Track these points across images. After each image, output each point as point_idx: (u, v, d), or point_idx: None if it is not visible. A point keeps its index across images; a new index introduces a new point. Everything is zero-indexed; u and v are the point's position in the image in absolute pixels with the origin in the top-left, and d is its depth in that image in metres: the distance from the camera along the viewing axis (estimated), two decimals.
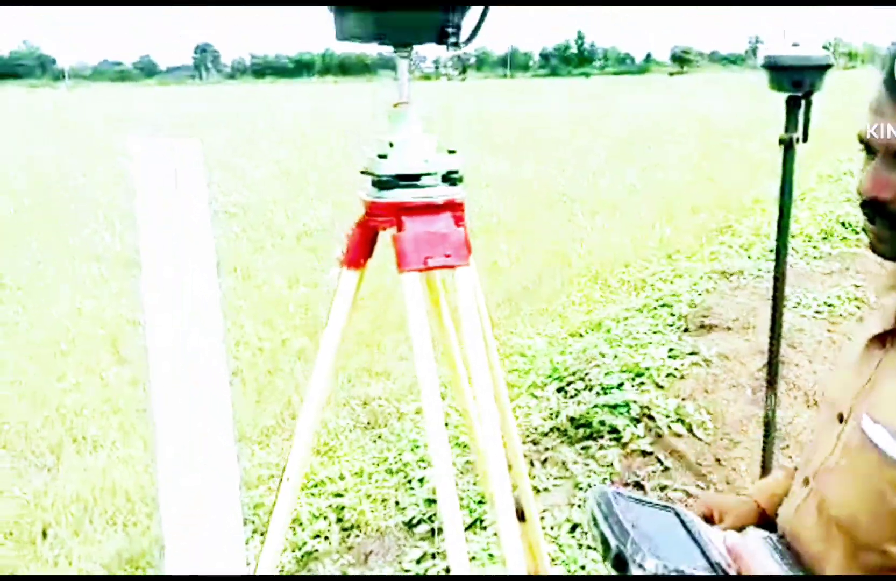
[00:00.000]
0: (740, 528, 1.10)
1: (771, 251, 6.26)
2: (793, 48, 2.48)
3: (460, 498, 3.17)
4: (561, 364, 4.27)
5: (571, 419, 3.50)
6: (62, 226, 9.39)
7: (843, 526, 0.97)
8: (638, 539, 0.91)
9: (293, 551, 2.95)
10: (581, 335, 5.05)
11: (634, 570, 0.88)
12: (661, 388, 3.59)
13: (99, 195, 11.23)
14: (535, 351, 4.78)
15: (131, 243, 8.05)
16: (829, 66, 2.47)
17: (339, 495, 3.35)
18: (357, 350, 5.13)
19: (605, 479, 3.12)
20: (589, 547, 2.77)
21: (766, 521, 1.18)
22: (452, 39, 1.43)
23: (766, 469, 2.82)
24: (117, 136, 17.75)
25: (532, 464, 3.26)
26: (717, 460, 3.15)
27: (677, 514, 1.02)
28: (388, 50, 1.49)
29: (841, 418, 1.02)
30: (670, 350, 4.04)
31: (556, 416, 3.60)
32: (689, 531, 0.98)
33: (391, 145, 1.48)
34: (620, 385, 3.67)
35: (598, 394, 3.66)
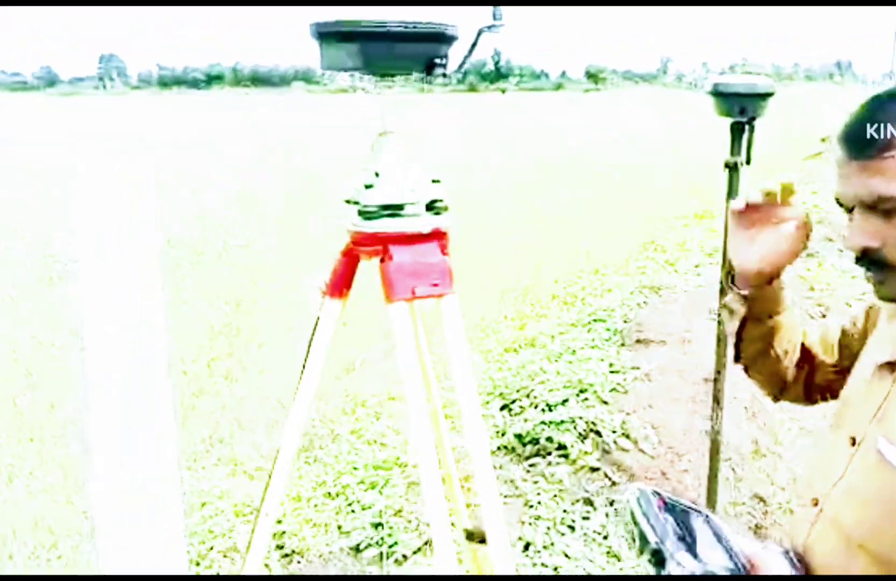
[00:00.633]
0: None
1: (696, 266, 6.49)
2: (738, 76, 2.58)
3: (407, 520, 3.17)
4: (502, 381, 4.30)
5: (518, 436, 3.53)
6: None
7: (863, 544, 1.02)
8: (676, 538, 0.97)
9: None
10: (517, 351, 5.10)
11: (672, 567, 0.95)
12: (606, 403, 3.66)
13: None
14: (472, 367, 4.79)
15: (43, 261, 7.76)
16: (771, 94, 2.57)
17: (278, 521, 3.30)
18: (287, 369, 5.06)
19: (554, 495, 3.16)
20: (543, 564, 2.80)
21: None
22: (440, 71, 1.44)
23: (712, 482, 2.90)
24: (15, 150, 17.08)
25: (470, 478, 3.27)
26: (664, 474, 3.23)
27: (707, 518, 1.07)
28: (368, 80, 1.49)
29: (853, 441, 1.08)
30: (611, 365, 4.12)
31: (503, 435, 3.62)
32: (716, 534, 1.04)
33: (377, 175, 1.48)
34: (565, 401, 3.72)
35: (543, 410, 3.70)
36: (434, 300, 1.52)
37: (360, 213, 1.48)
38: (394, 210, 1.48)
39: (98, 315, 1.12)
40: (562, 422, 3.52)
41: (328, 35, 1.44)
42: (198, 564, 3.06)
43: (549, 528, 2.97)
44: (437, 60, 1.43)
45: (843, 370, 1.26)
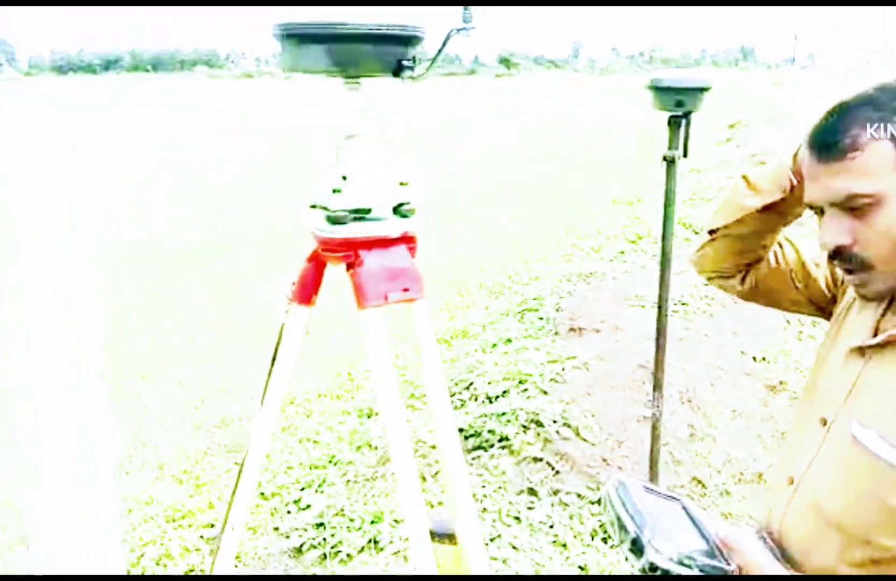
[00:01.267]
0: None
1: (621, 253, 6.62)
2: (676, 71, 2.63)
3: (350, 519, 3.13)
4: None
5: (461, 430, 3.52)
6: None
7: (837, 521, 1.07)
8: (652, 525, 0.99)
9: None
10: (449, 343, 5.10)
11: (651, 554, 0.97)
12: (546, 393, 3.69)
13: None
14: (405, 360, 4.78)
15: None
16: (707, 89, 2.63)
17: (211, 525, 3.23)
18: (209, 366, 4.95)
19: (499, 487, 3.17)
20: (492, 557, 2.81)
21: None
22: (408, 72, 1.42)
23: (653, 467, 2.97)
24: None
25: (424, 479, 3.27)
26: (605, 460, 3.28)
27: (683, 506, 1.11)
28: (338, 81, 1.46)
29: (824, 422, 1.13)
30: (548, 354, 4.15)
31: None
32: (692, 520, 1.07)
33: (344, 178, 1.45)
34: (506, 392, 3.74)
35: (483, 403, 3.71)
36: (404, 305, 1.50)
37: (329, 218, 1.45)
38: (362, 214, 1.45)
39: (35, 320, 1.07)
40: (503, 413, 3.53)
41: (292, 36, 1.39)
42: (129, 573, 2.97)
43: (494, 521, 2.99)
44: (406, 62, 1.41)
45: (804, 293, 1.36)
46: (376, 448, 3.65)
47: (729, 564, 1.01)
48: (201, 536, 3.14)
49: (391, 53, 1.40)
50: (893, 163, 1.01)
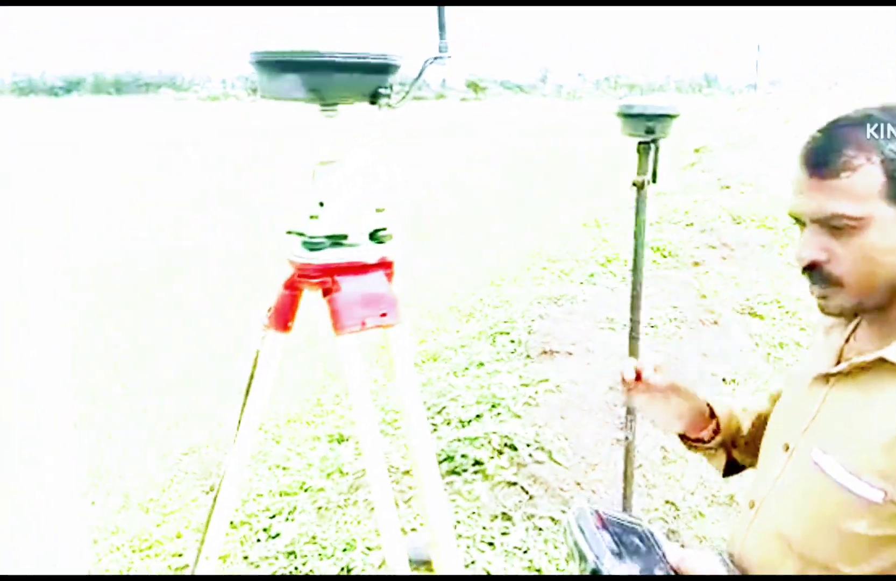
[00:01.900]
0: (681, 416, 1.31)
1: (591, 276, 6.65)
2: (645, 98, 2.66)
3: (322, 547, 3.10)
4: None
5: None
6: None
7: (796, 547, 1.08)
8: (611, 554, 1.02)
9: None
10: (420, 366, 5.08)
11: None
12: (519, 417, 3.68)
13: None
14: (375, 385, 4.75)
15: None
16: (676, 116, 2.66)
17: (179, 555, 3.17)
18: (174, 393, 4.89)
19: (473, 512, 3.16)
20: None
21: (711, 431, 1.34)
22: (385, 100, 1.42)
23: (627, 490, 2.98)
24: None
25: (398, 504, 3.24)
26: (578, 484, 3.28)
27: (645, 531, 1.12)
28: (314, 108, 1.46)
29: (786, 448, 1.15)
30: (521, 377, 4.15)
31: None
32: (651, 546, 1.08)
33: (321, 205, 1.44)
34: (479, 416, 3.73)
35: (456, 427, 3.70)
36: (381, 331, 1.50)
37: (305, 244, 1.44)
38: (338, 239, 1.45)
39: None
40: (476, 438, 3.52)
41: (269, 64, 1.39)
42: None
43: (469, 546, 2.97)
44: (382, 89, 1.41)
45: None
46: (347, 474, 3.61)
47: None
48: (169, 566, 3.08)
49: (368, 81, 1.40)
50: (881, 188, 1.01)
